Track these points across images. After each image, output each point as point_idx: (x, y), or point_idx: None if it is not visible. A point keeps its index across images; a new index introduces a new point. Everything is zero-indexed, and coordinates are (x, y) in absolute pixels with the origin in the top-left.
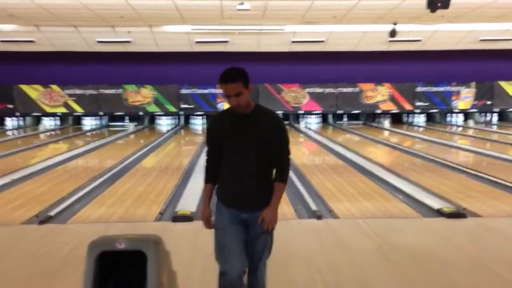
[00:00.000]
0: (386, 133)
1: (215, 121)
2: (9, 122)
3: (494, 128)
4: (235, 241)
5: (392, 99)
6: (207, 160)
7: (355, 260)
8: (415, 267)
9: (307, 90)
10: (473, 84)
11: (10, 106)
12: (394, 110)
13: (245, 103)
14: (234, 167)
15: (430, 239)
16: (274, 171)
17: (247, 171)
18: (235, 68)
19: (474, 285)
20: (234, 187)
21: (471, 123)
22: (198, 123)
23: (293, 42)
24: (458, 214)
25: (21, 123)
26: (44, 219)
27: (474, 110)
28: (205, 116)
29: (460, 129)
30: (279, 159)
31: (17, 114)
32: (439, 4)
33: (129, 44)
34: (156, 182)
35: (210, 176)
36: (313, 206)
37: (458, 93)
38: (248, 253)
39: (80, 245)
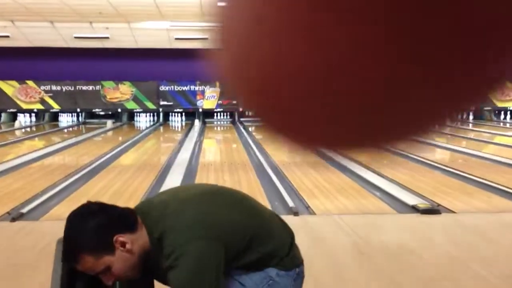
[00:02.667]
0: None
1: None
2: None
3: (470, 126)
4: None
5: None
6: None
7: (331, 256)
8: (391, 262)
9: None
10: None
11: None
12: None
13: (128, 269)
14: None
15: (406, 234)
16: None
17: None
18: (70, 238)
19: (448, 279)
20: None
21: None
22: (177, 120)
23: None
24: (433, 210)
25: None
26: (16, 216)
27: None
28: (184, 114)
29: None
30: None
31: None
32: None
33: (107, 40)
34: (132, 179)
35: None
36: (290, 203)
37: None
38: None
39: (52, 242)
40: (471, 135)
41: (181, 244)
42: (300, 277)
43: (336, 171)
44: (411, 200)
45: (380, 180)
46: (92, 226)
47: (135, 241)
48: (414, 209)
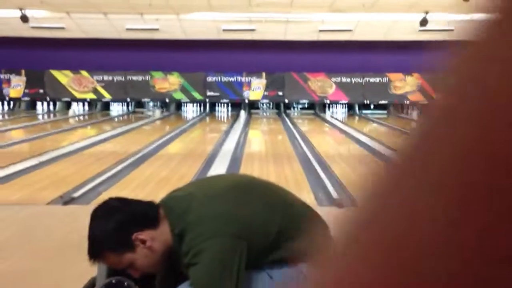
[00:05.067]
0: (414, 124)
1: None
2: (40, 107)
3: None
4: None
5: (422, 90)
6: None
7: None
8: None
9: (334, 79)
10: None
11: (41, 91)
12: (423, 101)
13: (152, 264)
14: None
15: None
16: None
17: None
18: (93, 236)
19: None
20: None
21: None
22: (223, 111)
23: (321, 31)
24: None
25: (51, 108)
26: (68, 199)
27: None
28: (230, 104)
29: None
30: None
31: (48, 99)
32: None
33: (156, 31)
34: (179, 167)
35: None
36: (335, 194)
37: None
38: None
39: None
40: None
41: (200, 241)
42: None
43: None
44: None
45: None
46: (112, 225)
47: (156, 237)
48: None
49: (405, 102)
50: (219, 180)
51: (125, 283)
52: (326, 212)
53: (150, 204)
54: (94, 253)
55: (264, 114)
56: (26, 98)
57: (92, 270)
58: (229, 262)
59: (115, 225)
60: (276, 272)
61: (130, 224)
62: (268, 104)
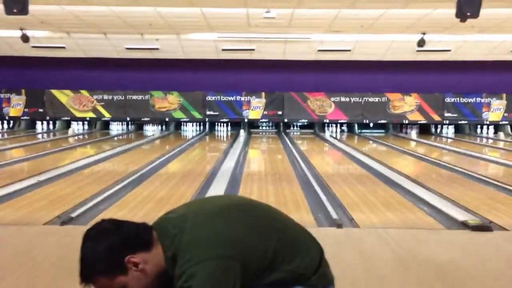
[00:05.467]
0: (413, 143)
1: None
2: (39, 126)
3: None
4: None
5: (420, 109)
6: None
7: (375, 270)
8: (437, 278)
9: (333, 99)
10: (504, 95)
11: (41, 110)
12: (422, 120)
13: (144, 287)
14: None
15: (454, 251)
16: None
17: None
18: (84, 258)
19: None
20: None
21: (501, 135)
22: (223, 130)
23: (319, 50)
24: (484, 227)
25: (51, 127)
26: (66, 220)
27: (505, 122)
28: (229, 123)
29: (490, 141)
30: None
31: (47, 118)
32: (468, 14)
33: (156, 51)
34: (178, 186)
35: None
36: (334, 215)
37: (488, 104)
38: None
39: None
40: None
41: (193, 264)
42: None
43: (382, 185)
44: (461, 216)
45: (428, 194)
46: (104, 248)
47: (149, 260)
48: (464, 225)
49: (404, 121)
50: (213, 201)
51: None
52: (325, 233)
53: (143, 226)
54: (85, 276)
55: (264, 133)
56: (26, 117)
57: None
58: (223, 284)
59: (107, 248)
60: None
61: (122, 247)
62: (268, 123)
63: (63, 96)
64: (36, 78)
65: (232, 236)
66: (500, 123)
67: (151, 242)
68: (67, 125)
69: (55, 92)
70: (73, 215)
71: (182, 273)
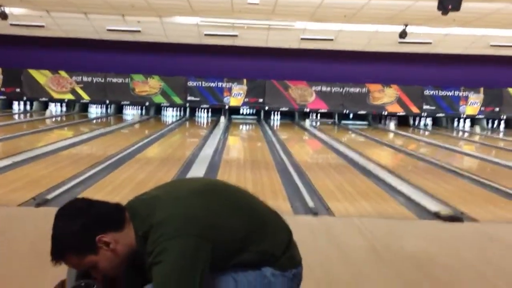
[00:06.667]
0: (391, 135)
1: None
2: (16, 106)
3: (501, 135)
4: None
5: (399, 101)
6: None
7: (348, 258)
8: (409, 267)
9: (314, 88)
10: (481, 90)
11: (18, 90)
12: (401, 112)
13: (115, 267)
14: None
15: (426, 241)
16: None
17: None
18: (56, 236)
19: (465, 285)
20: None
21: (477, 129)
22: (203, 116)
23: (302, 39)
24: (456, 218)
25: (28, 107)
26: (41, 202)
27: (481, 116)
28: (210, 110)
29: (466, 134)
30: None
31: (25, 98)
32: (450, 6)
33: (138, 33)
34: (156, 171)
35: None
36: (310, 203)
37: (466, 98)
38: None
39: None
40: (501, 144)
41: (163, 240)
42: (297, 278)
43: (359, 175)
44: (434, 206)
45: (404, 185)
46: (76, 227)
47: (120, 239)
48: (436, 216)
49: (383, 113)
50: (186, 183)
51: (94, 286)
52: (301, 221)
53: (115, 206)
54: (56, 253)
55: (245, 121)
56: (3, 97)
57: (62, 272)
58: (191, 262)
59: (78, 227)
60: (241, 275)
61: (94, 226)
62: (250, 110)
63: (41, 76)
64: (14, 57)
65: (203, 216)
66: (477, 117)
67: (122, 222)
68: (45, 106)
69: (32, 72)
70: (49, 197)
71: (153, 250)
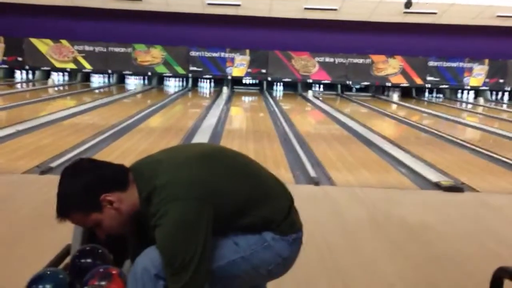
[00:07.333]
0: (394, 106)
1: None
2: (18, 75)
3: (504, 107)
4: None
5: (403, 72)
6: None
7: (347, 226)
8: (407, 236)
9: (317, 59)
10: (486, 61)
11: (20, 59)
12: (404, 83)
13: (118, 226)
14: None
15: (425, 211)
16: None
17: None
18: (61, 194)
19: (463, 256)
20: None
21: (481, 100)
22: (206, 87)
23: (306, 9)
24: (456, 188)
25: (30, 76)
26: (45, 169)
27: (485, 87)
28: (213, 80)
29: (469, 106)
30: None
31: (27, 67)
32: None
33: (140, 2)
34: (158, 141)
35: None
36: (312, 173)
37: (470, 69)
38: None
39: None
40: (505, 115)
41: (166, 202)
42: (296, 243)
43: (361, 145)
44: (435, 177)
45: (406, 156)
46: (81, 185)
47: (123, 199)
48: (437, 186)
49: (387, 84)
50: (189, 148)
51: (99, 250)
52: (302, 190)
53: (120, 167)
54: (61, 211)
55: (247, 91)
56: (5, 66)
57: (67, 237)
58: (195, 223)
59: (83, 185)
60: (242, 239)
61: (98, 185)
62: (252, 81)
63: (43, 45)
64: (15, 25)
65: (206, 179)
66: (481, 88)
67: (127, 183)
68: (47, 75)
69: (34, 40)
70: (53, 165)
71: (156, 211)
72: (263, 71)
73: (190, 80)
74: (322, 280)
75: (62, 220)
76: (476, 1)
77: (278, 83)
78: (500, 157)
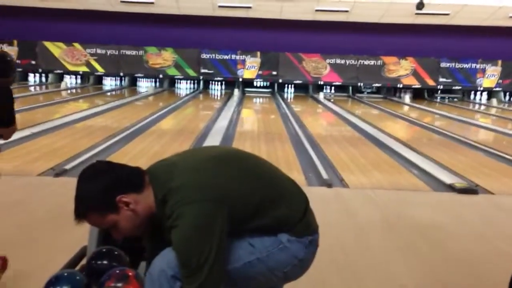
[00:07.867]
0: (406, 108)
1: None
2: (32, 78)
3: None
4: None
5: (415, 73)
6: None
7: (360, 228)
8: (419, 238)
9: (328, 60)
10: (499, 62)
11: (33, 62)
12: (416, 85)
13: (134, 227)
14: None
15: (438, 213)
16: None
17: None
18: (79, 196)
19: (476, 257)
20: None
21: (494, 102)
22: (217, 89)
23: (317, 10)
24: (470, 190)
25: (43, 79)
26: (59, 172)
27: (498, 89)
28: (224, 82)
29: (482, 107)
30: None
31: (40, 70)
32: None
33: (152, 5)
34: (170, 143)
35: None
36: (324, 175)
37: (483, 70)
38: None
39: None
40: None
41: (182, 204)
42: (312, 245)
43: (373, 147)
44: (448, 179)
45: (418, 157)
46: (97, 187)
47: (140, 201)
48: (451, 188)
49: (398, 85)
50: (204, 151)
51: (115, 252)
52: (315, 192)
53: (136, 169)
54: (79, 212)
55: (258, 93)
56: (18, 69)
57: (83, 239)
58: (210, 225)
59: (100, 187)
60: (257, 240)
61: (115, 186)
62: (263, 83)
63: (56, 48)
64: (29, 29)
65: (221, 181)
66: (494, 89)
67: (142, 185)
68: (60, 78)
69: (47, 44)
70: (67, 167)
71: (171, 213)
72: (274, 73)
73: (201, 83)
74: (335, 280)
75: (80, 221)
76: (488, 2)
77: (289, 85)
78: None
